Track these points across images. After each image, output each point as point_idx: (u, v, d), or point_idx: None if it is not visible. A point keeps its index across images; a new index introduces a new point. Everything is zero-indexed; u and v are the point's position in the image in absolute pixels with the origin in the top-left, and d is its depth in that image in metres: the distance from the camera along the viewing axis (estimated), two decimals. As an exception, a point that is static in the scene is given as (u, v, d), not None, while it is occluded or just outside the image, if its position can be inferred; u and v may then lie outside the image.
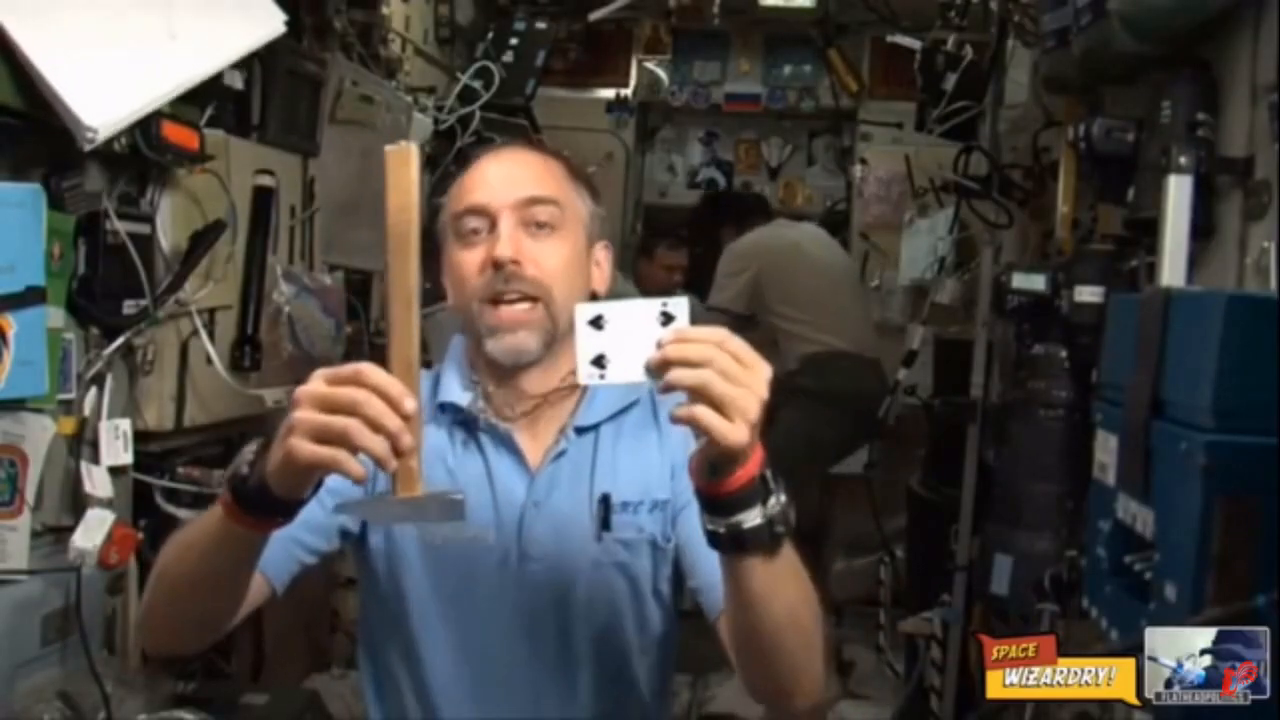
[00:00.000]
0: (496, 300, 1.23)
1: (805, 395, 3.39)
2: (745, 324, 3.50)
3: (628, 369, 0.92)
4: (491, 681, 1.30)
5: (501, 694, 1.30)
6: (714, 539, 1.00)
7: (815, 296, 3.61)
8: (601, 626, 1.30)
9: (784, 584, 1.03)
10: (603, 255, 1.34)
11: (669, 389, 0.91)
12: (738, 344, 0.92)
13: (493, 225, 1.24)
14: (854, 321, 3.69)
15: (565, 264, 1.26)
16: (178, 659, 1.94)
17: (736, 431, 0.90)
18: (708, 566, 1.19)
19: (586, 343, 0.93)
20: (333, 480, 1.23)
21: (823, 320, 3.60)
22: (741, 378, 0.90)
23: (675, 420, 0.93)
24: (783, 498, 0.99)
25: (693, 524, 1.23)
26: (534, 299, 1.23)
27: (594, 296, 1.31)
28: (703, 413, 0.90)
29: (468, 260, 1.24)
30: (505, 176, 1.27)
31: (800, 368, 3.52)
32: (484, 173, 1.28)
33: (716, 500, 0.98)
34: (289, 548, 1.22)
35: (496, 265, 1.21)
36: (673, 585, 1.35)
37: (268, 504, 1.00)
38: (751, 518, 0.97)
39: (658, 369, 0.91)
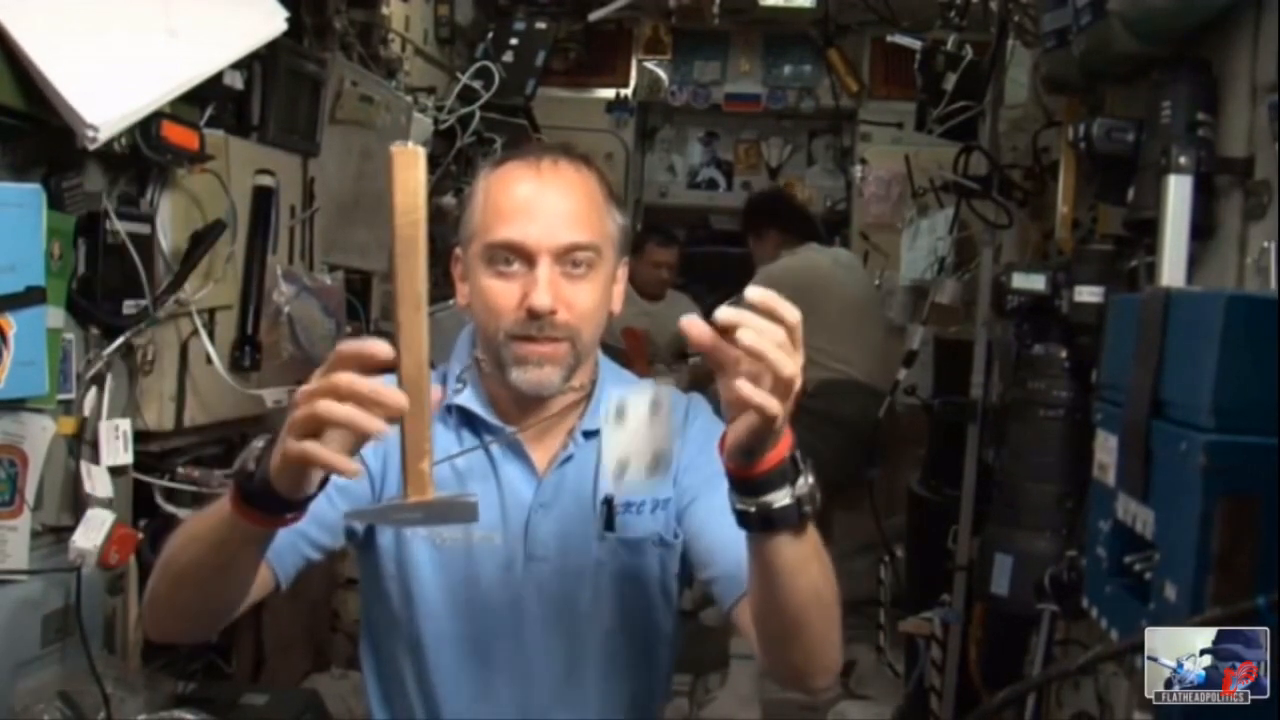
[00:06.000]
0: (526, 338, 1.23)
1: (810, 415, 3.39)
2: None
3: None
4: (497, 681, 1.30)
5: (507, 694, 1.30)
6: (744, 518, 1.01)
7: (839, 326, 3.62)
8: (606, 625, 1.31)
9: (808, 563, 1.05)
10: (621, 272, 1.34)
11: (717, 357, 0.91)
12: (792, 319, 0.91)
13: (529, 263, 1.23)
14: (871, 353, 3.71)
15: (596, 304, 1.27)
16: (179, 650, 1.94)
17: (776, 405, 0.90)
18: (724, 555, 1.20)
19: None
20: (342, 478, 1.24)
21: (842, 350, 3.62)
22: (789, 353, 0.90)
23: (729, 397, 0.92)
24: (810, 479, 1.01)
25: (703, 516, 1.24)
26: (563, 339, 1.24)
27: (610, 315, 1.32)
28: (748, 388, 0.90)
29: (501, 293, 1.24)
30: (547, 212, 1.24)
31: (814, 391, 3.53)
32: (525, 202, 1.24)
33: (748, 481, 0.99)
34: (296, 542, 1.23)
35: (533, 314, 1.21)
36: (678, 583, 1.35)
37: (272, 501, 1.00)
38: (781, 498, 0.99)
39: (723, 332, 0.89)
